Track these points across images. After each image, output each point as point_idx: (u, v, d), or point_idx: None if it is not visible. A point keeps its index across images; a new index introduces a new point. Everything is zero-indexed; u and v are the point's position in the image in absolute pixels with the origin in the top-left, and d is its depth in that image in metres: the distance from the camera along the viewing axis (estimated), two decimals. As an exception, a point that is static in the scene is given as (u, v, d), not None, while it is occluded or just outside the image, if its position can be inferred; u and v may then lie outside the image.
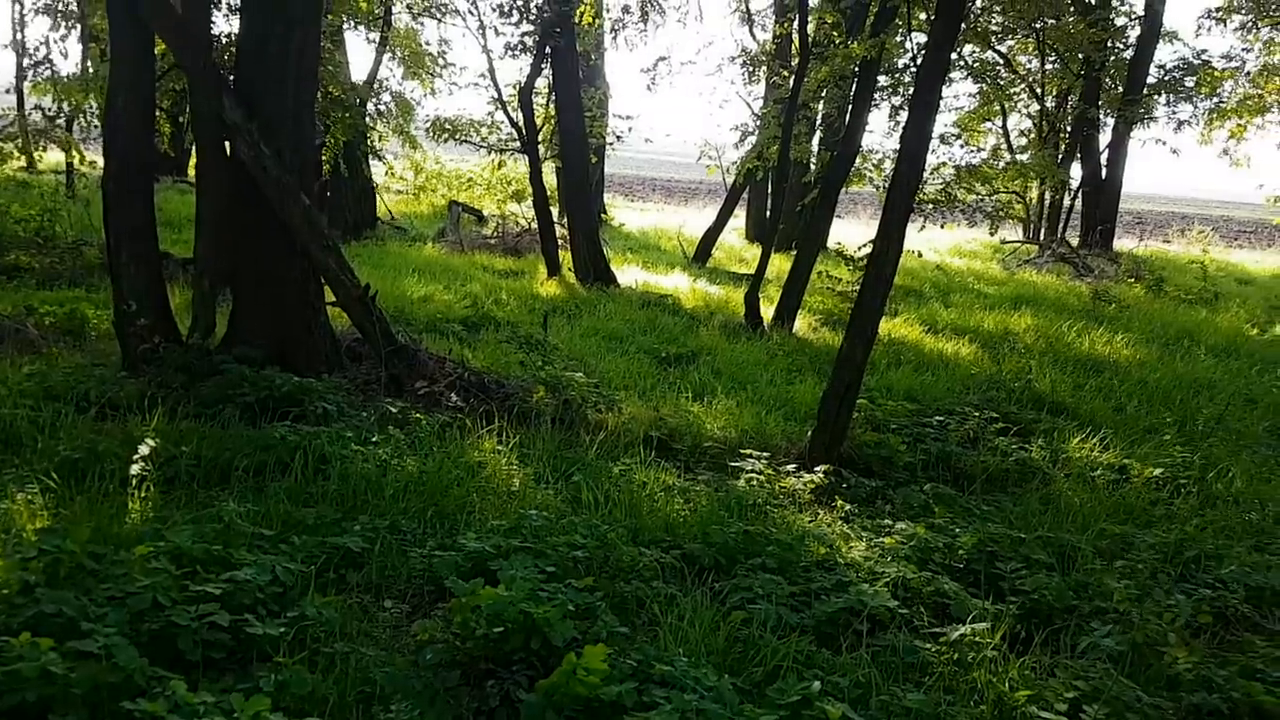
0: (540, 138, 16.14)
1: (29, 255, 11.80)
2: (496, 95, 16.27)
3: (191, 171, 21.57)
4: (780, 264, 15.58)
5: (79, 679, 3.12)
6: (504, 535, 5.07)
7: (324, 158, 14.58)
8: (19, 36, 20.29)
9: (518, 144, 16.22)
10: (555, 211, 17.17)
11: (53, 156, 19.85)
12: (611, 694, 3.51)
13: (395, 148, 22.52)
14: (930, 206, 16.57)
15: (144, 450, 5.73)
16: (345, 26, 16.47)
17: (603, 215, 22.81)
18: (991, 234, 21.00)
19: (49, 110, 14.03)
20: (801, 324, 12.66)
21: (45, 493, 5.14)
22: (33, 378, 6.99)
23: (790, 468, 6.75)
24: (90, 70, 14.30)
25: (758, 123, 18.83)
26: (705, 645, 4.25)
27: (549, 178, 18.54)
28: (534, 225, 16.94)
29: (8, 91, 19.64)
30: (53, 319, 8.98)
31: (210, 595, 3.86)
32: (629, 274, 15.74)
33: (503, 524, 5.30)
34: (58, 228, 13.04)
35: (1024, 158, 23.22)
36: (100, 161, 8.50)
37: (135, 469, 5.52)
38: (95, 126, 16.65)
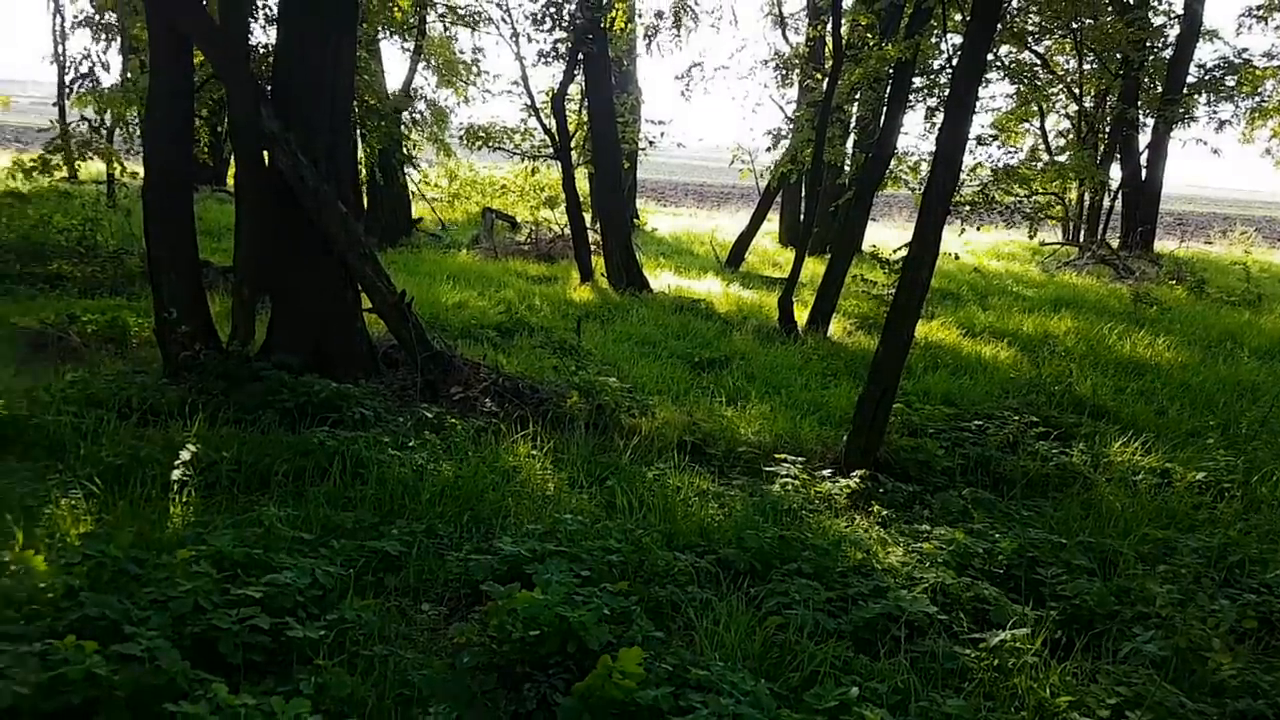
0: (573, 144, 16.20)
1: (71, 264, 11.99)
2: (530, 102, 16.36)
3: (230, 181, 21.92)
4: (814, 268, 15.53)
5: (123, 681, 3.16)
6: (539, 539, 5.08)
7: (359, 166, 14.74)
8: (60, 50, 20.66)
9: (550, 150, 16.28)
10: (588, 217, 17.21)
11: (94, 167, 20.21)
12: (648, 698, 3.50)
13: (430, 155, 22.68)
14: (967, 208, 16.42)
15: (185, 455, 5.82)
16: (380, 36, 16.62)
17: (635, 220, 22.84)
18: (1030, 236, 20.76)
19: (94, 121, 14.26)
20: (836, 328, 12.59)
21: (89, 498, 5.22)
22: (76, 385, 7.11)
23: (826, 473, 6.71)
24: (130, 81, 14.51)
25: (791, 126, 18.77)
26: (741, 650, 4.23)
27: (581, 183, 18.58)
28: (567, 231, 16.99)
29: (53, 104, 20.02)
30: (95, 327, 9.11)
31: (251, 598, 3.90)
32: (662, 279, 15.75)
33: (538, 528, 5.31)
34: (99, 237, 13.25)
35: (1063, 159, 22.97)
36: (140, 171, 8.61)
37: (177, 474, 5.61)
38: (136, 137, 16.93)
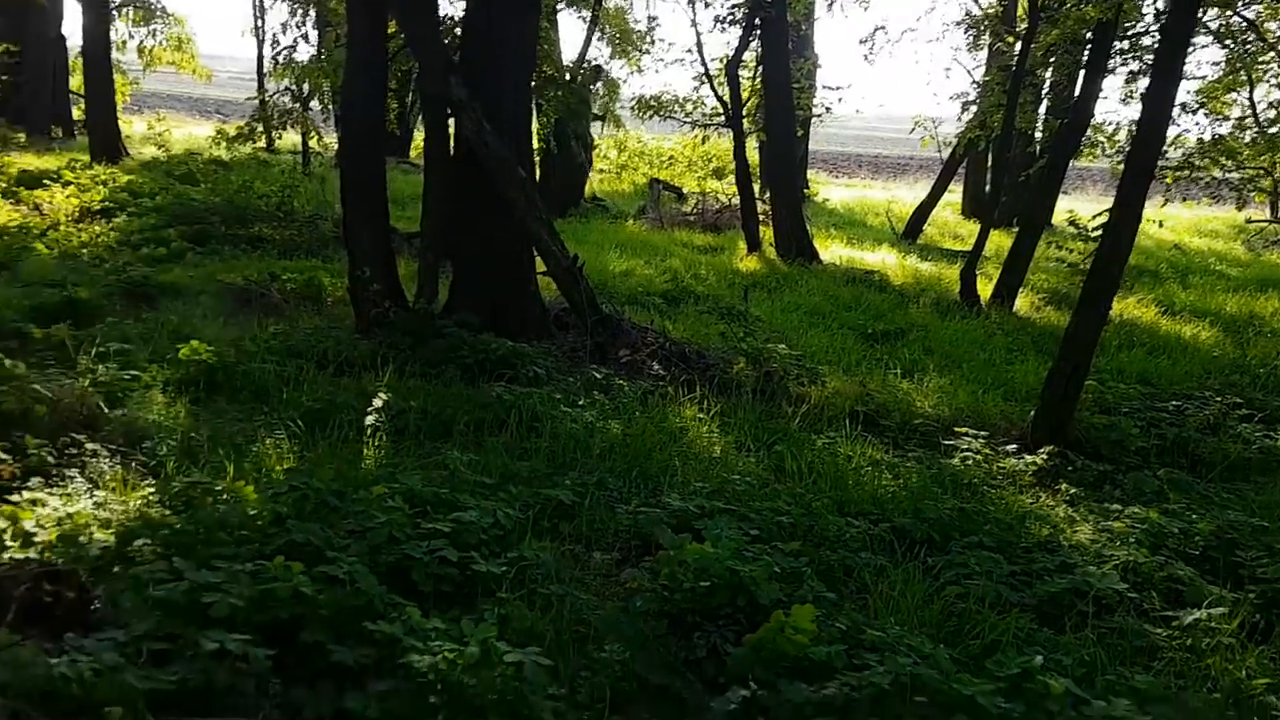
0: (745, 111, 16.04)
1: (270, 228, 12.78)
2: (703, 70, 16.29)
3: (413, 152, 22.85)
4: (998, 241, 14.87)
5: (326, 601, 3.37)
6: (707, 497, 5.13)
7: (536, 135, 15.06)
8: (260, 24, 21.97)
9: (722, 118, 16.18)
10: (757, 187, 17.05)
11: (290, 137, 21.46)
12: (821, 654, 3.47)
13: (598, 127, 22.92)
14: (1170, 178, 15.38)
15: (377, 403, 6.17)
16: (559, 6, 16.90)
17: (806, 190, 22.42)
18: (1239, 208, 19.27)
19: (293, 89, 15.07)
20: (1023, 303, 12.09)
21: (291, 438, 5.59)
22: (277, 336, 7.63)
23: (1010, 448, 6.46)
24: (325, 54, 15.28)
25: (979, 91, 17.99)
26: (918, 616, 4.15)
27: (751, 153, 18.39)
28: (734, 201, 16.88)
29: (251, 79, 21.31)
30: (293, 285, 9.70)
31: (440, 533, 4.10)
32: (832, 250, 15.44)
33: (705, 486, 5.35)
34: (295, 203, 14.04)
35: (1273, 131, 21.09)
36: (332, 141, 9.13)
37: (370, 420, 5.94)
38: (330, 107, 17.86)
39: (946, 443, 6.64)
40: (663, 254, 14.07)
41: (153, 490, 4.55)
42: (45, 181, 14.08)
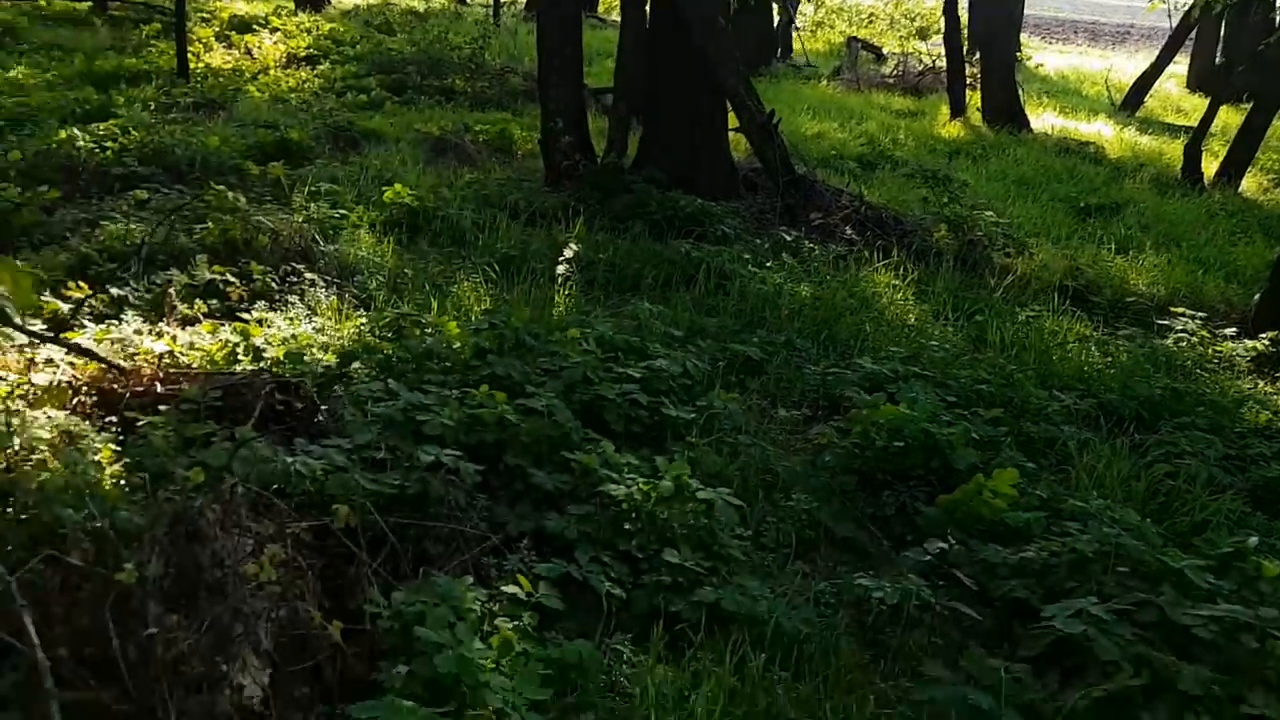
0: (959, -37, 14.89)
1: (463, 79, 12.92)
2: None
3: (600, 7, 22.49)
4: (1226, 118, 13.50)
5: (527, 429, 3.52)
6: (901, 362, 5.01)
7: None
8: None
9: (932, -29, 15.08)
10: (964, 49, 15.91)
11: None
12: (1018, 519, 3.39)
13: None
14: None
15: (567, 254, 6.27)
16: None
17: (1018, 54, 20.79)
18: None
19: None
20: (1250, 183, 11.09)
21: (487, 281, 5.79)
22: (472, 186, 7.83)
23: (1229, 332, 6.03)
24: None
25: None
26: (1122, 492, 3.97)
27: (961, 12, 17.12)
28: (937, 64, 15.86)
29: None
30: (485, 137, 9.85)
31: (631, 377, 4.19)
32: (1043, 119, 14.40)
33: (900, 352, 5.23)
34: (486, 55, 14.11)
35: None
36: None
37: (560, 269, 6.07)
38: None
39: (1160, 322, 6.28)
40: (858, 117, 13.46)
41: (365, 320, 4.82)
42: (254, 27, 14.67)
